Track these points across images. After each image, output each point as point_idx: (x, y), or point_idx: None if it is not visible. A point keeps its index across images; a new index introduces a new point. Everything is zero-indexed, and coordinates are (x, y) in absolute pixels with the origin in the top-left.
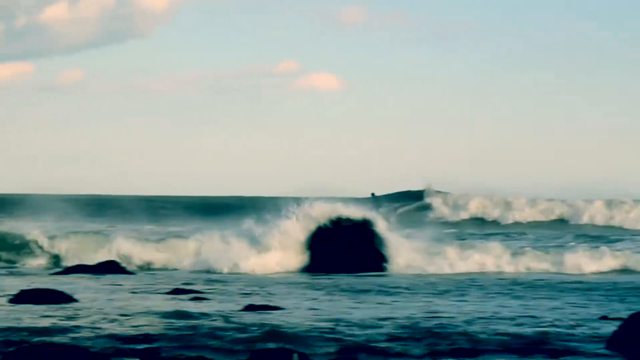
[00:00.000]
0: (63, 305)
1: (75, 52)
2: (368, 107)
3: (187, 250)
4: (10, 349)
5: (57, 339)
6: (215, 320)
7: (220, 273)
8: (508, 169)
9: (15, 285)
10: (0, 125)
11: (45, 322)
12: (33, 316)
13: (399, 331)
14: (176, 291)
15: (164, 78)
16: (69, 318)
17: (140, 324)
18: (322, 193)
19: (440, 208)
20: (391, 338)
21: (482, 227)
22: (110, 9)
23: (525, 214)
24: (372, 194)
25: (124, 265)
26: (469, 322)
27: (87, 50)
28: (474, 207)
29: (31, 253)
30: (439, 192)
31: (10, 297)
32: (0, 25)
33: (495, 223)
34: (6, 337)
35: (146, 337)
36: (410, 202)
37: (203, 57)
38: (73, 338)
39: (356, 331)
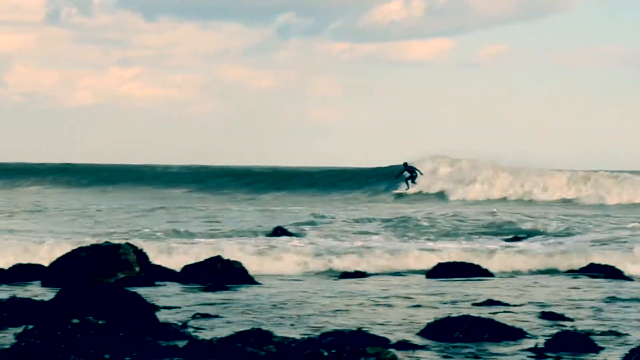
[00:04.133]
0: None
1: (495, 27)
2: None
3: None
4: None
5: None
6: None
7: None
8: None
9: None
10: (422, 101)
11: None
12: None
13: None
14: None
15: (582, 52)
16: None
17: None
18: None
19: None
20: None
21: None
22: None
23: None
24: (405, 163)
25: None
26: None
27: (508, 26)
28: None
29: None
30: None
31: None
32: (423, 3)
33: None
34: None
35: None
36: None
37: (621, 31)
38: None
39: None
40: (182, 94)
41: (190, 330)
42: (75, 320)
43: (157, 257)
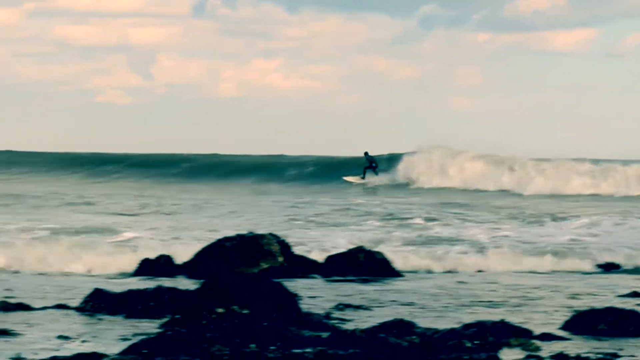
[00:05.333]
0: None
1: None
2: None
3: None
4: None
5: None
6: None
7: None
8: None
9: None
10: (564, 91)
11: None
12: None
13: None
14: None
15: None
16: None
17: None
18: None
19: None
20: None
21: None
22: None
23: None
24: (365, 153)
25: None
26: None
27: None
28: None
29: None
30: None
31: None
32: None
33: None
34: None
35: None
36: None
37: None
38: None
39: None
40: (324, 85)
41: (334, 320)
42: (220, 310)
43: (300, 247)
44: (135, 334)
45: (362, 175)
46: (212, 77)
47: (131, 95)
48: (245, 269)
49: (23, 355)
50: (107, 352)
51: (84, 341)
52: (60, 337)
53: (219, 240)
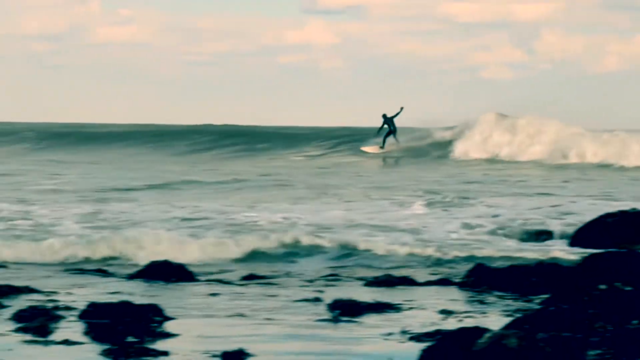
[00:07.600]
0: None
1: None
2: None
3: None
4: None
5: None
6: None
7: None
8: None
9: None
10: None
11: None
12: None
13: None
14: None
15: None
16: None
17: None
18: None
19: None
20: None
21: None
22: None
23: None
24: (384, 115)
25: None
26: None
27: None
28: None
29: None
30: None
31: None
32: None
33: None
34: None
35: None
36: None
37: None
38: None
39: None
40: None
41: None
42: (603, 286)
43: None
44: (517, 310)
45: (381, 145)
46: (595, 52)
47: (514, 71)
48: (629, 245)
49: (409, 329)
50: (490, 327)
51: (466, 316)
52: (442, 311)
53: (601, 217)
